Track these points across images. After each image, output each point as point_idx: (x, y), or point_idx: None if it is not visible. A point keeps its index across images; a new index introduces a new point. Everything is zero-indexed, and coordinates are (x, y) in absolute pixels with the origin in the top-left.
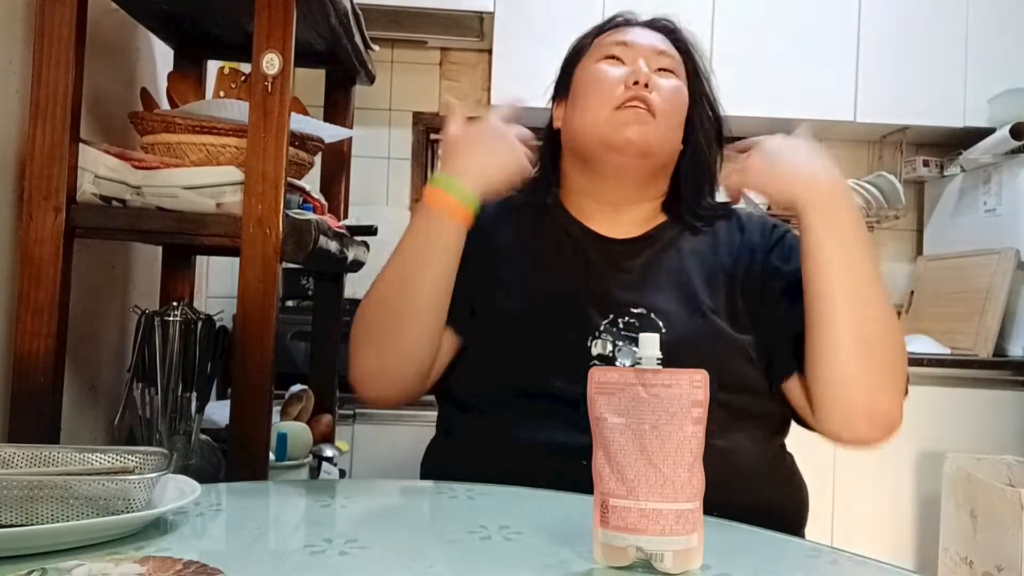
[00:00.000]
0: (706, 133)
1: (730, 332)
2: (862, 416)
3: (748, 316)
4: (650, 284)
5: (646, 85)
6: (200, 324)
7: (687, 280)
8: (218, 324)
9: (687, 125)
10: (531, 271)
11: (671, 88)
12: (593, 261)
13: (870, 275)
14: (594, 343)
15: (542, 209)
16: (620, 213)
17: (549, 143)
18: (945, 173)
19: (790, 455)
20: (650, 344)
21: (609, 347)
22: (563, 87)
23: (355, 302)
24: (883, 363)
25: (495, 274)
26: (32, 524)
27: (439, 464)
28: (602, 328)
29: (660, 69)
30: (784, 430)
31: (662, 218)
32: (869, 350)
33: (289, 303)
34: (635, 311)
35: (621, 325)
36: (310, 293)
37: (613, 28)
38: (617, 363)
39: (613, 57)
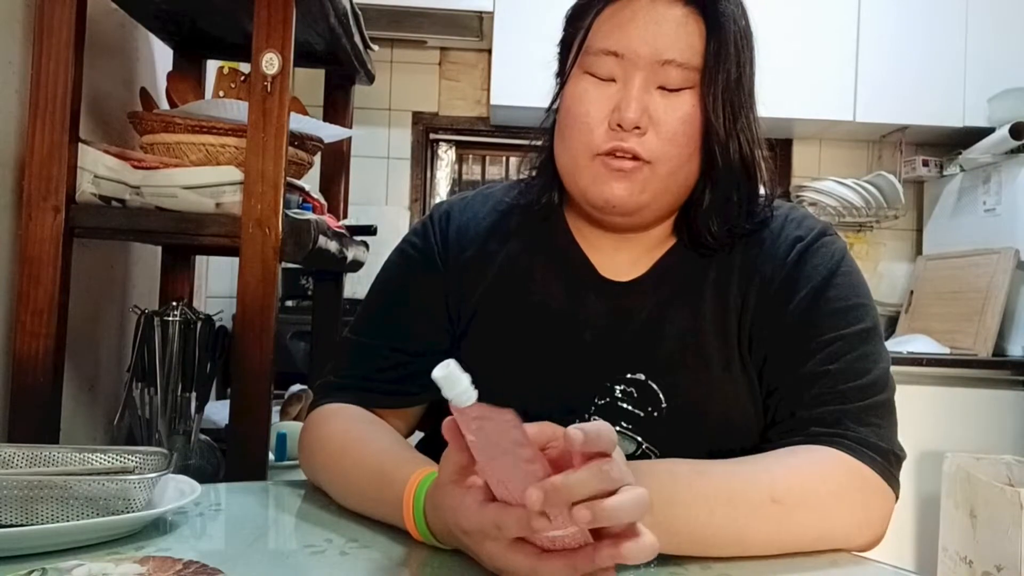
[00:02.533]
0: (727, 160)
1: (740, 393)
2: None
3: (756, 361)
4: (654, 341)
5: (637, 128)
6: (200, 324)
7: (697, 327)
8: (218, 324)
9: (705, 142)
10: (520, 314)
11: (676, 119)
12: (593, 312)
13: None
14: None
15: (543, 214)
16: (624, 240)
17: (553, 134)
18: (944, 173)
19: None
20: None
21: None
22: (563, 71)
23: (355, 302)
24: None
25: (475, 308)
26: (32, 524)
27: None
28: (593, 410)
29: (664, 88)
30: None
31: (673, 240)
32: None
33: (289, 303)
34: (632, 377)
35: (618, 393)
36: (310, 293)
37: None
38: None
39: (601, 76)
